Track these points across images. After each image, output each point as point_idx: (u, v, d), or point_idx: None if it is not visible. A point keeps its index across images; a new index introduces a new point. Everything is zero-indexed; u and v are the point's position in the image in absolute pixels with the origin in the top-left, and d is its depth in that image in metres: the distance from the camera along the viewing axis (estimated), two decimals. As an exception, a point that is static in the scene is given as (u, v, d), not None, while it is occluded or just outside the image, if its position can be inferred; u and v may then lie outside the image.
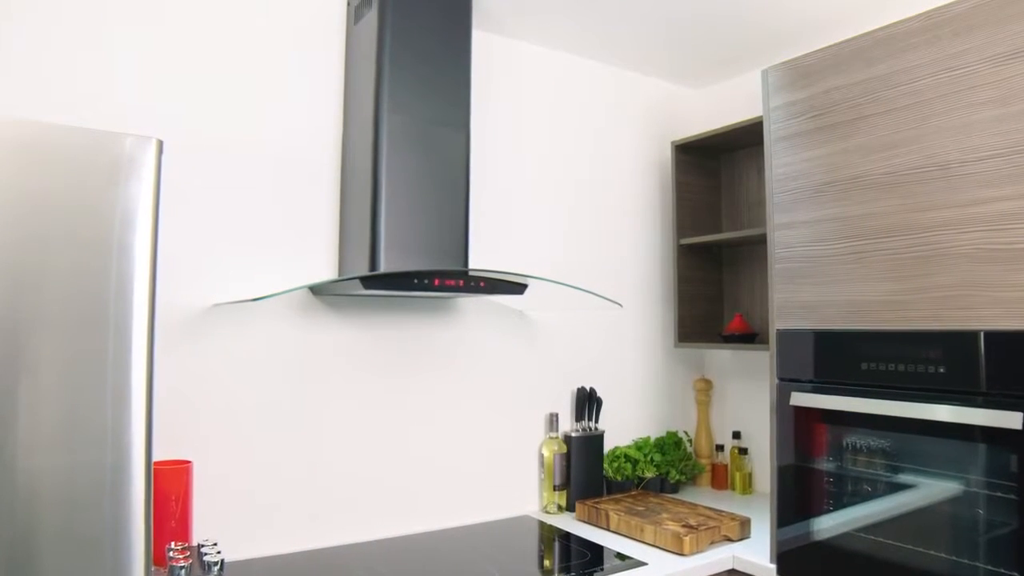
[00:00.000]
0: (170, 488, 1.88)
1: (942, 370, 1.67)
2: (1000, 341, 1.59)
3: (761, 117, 2.46)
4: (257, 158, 2.12)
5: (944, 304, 1.69)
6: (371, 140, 2.06)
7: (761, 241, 2.69)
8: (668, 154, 3.07)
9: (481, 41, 2.57)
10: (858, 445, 1.89)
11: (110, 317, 1.35)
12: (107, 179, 1.29)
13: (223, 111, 2.07)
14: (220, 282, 2.05)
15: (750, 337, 2.70)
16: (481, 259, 2.50)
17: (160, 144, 1.29)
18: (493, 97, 2.60)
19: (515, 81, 2.67)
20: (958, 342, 1.66)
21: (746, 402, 2.94)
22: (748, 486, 2.81)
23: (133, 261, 1.36)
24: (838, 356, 1.89)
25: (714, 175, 3.02)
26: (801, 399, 1.94)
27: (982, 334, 1.62)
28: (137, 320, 1.38)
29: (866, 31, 1.88)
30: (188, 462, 1.94)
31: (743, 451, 2.84)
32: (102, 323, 1.33)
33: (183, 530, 1.90)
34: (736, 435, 2.89)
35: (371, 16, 2.12)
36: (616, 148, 2.94)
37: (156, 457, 1.90)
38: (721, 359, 3.08)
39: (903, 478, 1.80)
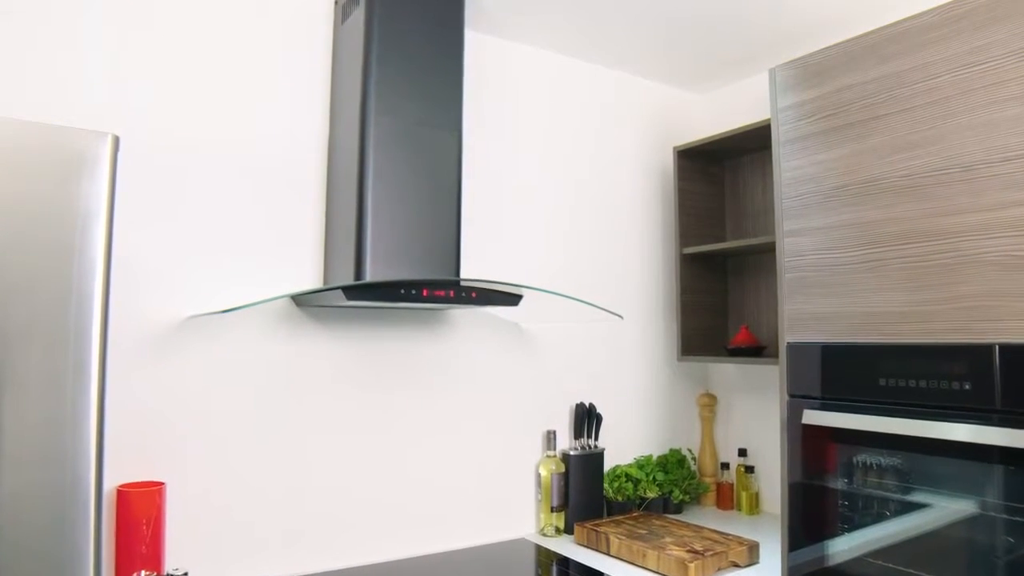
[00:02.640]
0: (141, 511, 1.77)
1: (967, 387, 1.55)
2: (1017, 354, 1.48)
3: (767, 121, 2.38)
4: (239, 162, 2.02)
5: (969, 315, 1.57)
6: (357, 142, 1.96)
7: (768, 250, 2.59)
8: (670, 160, 2.97)
9: (475, 42, 2.48)
10: (874, 465, 1.77)
11: (70, 326, 1.25)
12: (60, 178, 1.19)
13: (202, 112, 1.97)
14: (199, 293, 1.94)
15: (757, 350, 2.59)
16: (474, 268, 2.39)
17: (116, 140, 1.18)
18: (487, 100, 2.50)
19: (511, 84, 2.58)
20: (978, 356, 1.54)
21: (752, 418, 2.82)
22: (755, 506, 2.70)
23: (95, 266, 1.26)
24: (853, 371, 1.77)
25: (718, 182, 2.91)
26: (814, 417, 1.82)
27: (996, 347, 1.51)
28: (98, 330, 1.28)
29: (880, 26, 1.77)
30: (161, 484, 1.83)
31: (749, 469, 2.72)
32: (61, 333, 1.24)
33: (155, 556, 1.78)
34: (742, 453, 2.77)
35: (358, 14, 2.02)
36: (616, 153, 2.84)
37: (129, 479, 1.84)
38: (726, 373, 2.96)
39: (923, 501, 1.68)
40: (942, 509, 1.64)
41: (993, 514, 1.55)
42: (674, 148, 2.81)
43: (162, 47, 1.92)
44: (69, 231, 1.21)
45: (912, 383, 1.64)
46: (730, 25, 2.43)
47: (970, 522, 1.59)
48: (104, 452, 1.22)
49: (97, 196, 1.18)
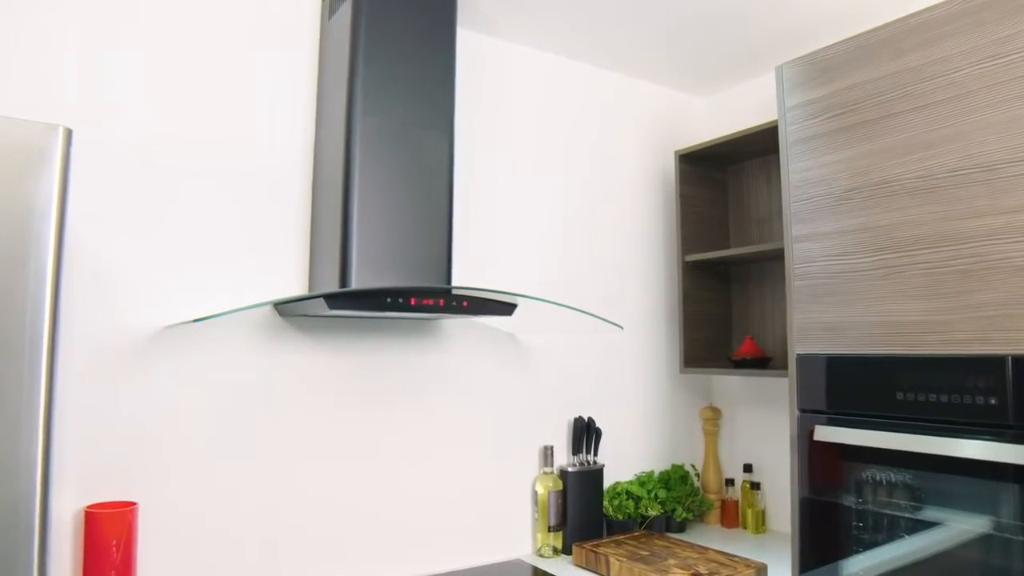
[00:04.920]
0: (110, 533, 1.67)
1: (993, 401, 1.44)
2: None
3: (772, 122, 2.29)
4: (221, 165, 1.92)
5: (991, 324, 1.47)
6: (343, 143, 1.86)
7: (773, 257, 2.49)
8: (671, 164, 2.88)
9: (469, 41, 2.39)
10: (888, 482, 1.67)
11: (25, 334, 1.15)
12: (6, 173, 1.08)
13: (181, 112, 1.88)
14: (179, 302, 1.85)
15: (762, 362, 2.48)
16: (466, 276, 2.30)
17: (68, 133, 1.08)
18: (482, 102, 2.41)
19: (506, 85, 2.49)
20: (993, 368, 1.45)
21: (758, 432, 2.72)
22: (761, 524, 2.59)
23: (45, 269, 1.16)
24: (867, 384, 1.67)
25: (721, 187, 2.82)
26: (827, 433, 1.72)
27: (1009, 359, 1.42)
28: (47, 339, 1.18)
29: (894, 19, 1.68)
30: (133, 504, 1.73)
31: (755, 486, 2.62)
32: (16, 341, 1.14)
33: (125, 581, 1.67)
34: (747, 468, 2.67)
35: (345, 9, 1.94)
36: (615, 157, 2.75)
37: (100, 499, 1.74)
38: (730, 385, 2.86)
39: (939, 520, 1.58)
40: (959, 529, 1.55)
41: (1011, 536, 1.45)
42: (675, 152, 2.71)
43: (141, 42, 1.83)
44: (19, 231, 1.11)
45: (932, 397, 1.54)
46: (732, 23, 2.34)
47: (988, 543, 1.50)
48: (51, 470, 1.11)
49: (47, 193, 1.08)
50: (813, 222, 1.82)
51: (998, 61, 1.47)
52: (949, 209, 1.56)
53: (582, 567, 2.21)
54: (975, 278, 1.51)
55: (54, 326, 1.11)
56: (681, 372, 2.65)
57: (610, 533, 2.47)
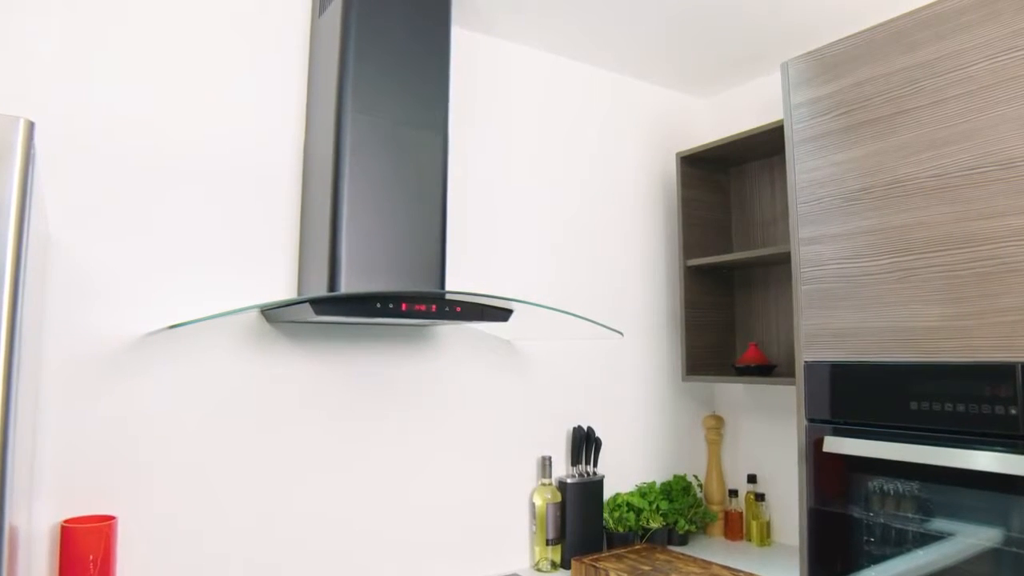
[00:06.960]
0: (87, 548, 1.60)
1: (1013, 412, 1.37)
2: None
3: (777, 123, 2.23)
4: (207, 165, 1.86)
5: (1012, 330, 1.40)
6: (332, 142, 1.79)
7: (778, 261, 2.42)
8: (672, 166, 2.82)
9: (465, 40, 2.33)
10: (900, 495, 1.59)
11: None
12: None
13: (167, 111, 1.81)
14: (164, 308, 1.78)
15: (767, 369, 2.41)
16: (462, 280, 2.23)
17: (30, 125, 1.01)
18: (478, 102, 2.35)
19: (503, 86, 2.42)
20: (1012, 376, 1.38)
21: (762, 442, 2.65)
22: (766, 536, 2.51)
23: (3, 274, 1.08)
24: (880, 393, 1.60)
25: (723, 190, 2.75)
26: (835, 444, 1.65)
27: (1019, 367, 1.36)
28: (4, 347, 1.10)
29: (904, 12, 1.61)
30: (112, 518, 1.65)
31: (760, 497, 2.54)
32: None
33: (103, 599, 1.60)
34: (751, 479, 2.59)
35: (336, 5, 1.87)
36: (615, 160, 2.68)
37: (79, 512, 1.66)
38: (733, 394, 2.79)
39: (955, 534, 1.50)
40: (969, 543, 1.48)
41: (1021, 551, 1.39)
42: (677, 154, 2.65)
43: (126, 38, 1.77)
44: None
45: (948, 407, 1.47)
46: (733, 22, 2.27)
47: (997, 557, 1.43)
48: (6, 483, 1.03)
49: (7, 190, 1.01)
50: (822, 224, 1.75)
51: (1016, 54, 1.41)
52: (965, 209, 1.49)
53: (581, 582, 2.14)
54: (994, 281, 1.44)
55: (12, 331, 1.03)
56: (683, 380, 2.58)
57: (610, 546, 2.39)
